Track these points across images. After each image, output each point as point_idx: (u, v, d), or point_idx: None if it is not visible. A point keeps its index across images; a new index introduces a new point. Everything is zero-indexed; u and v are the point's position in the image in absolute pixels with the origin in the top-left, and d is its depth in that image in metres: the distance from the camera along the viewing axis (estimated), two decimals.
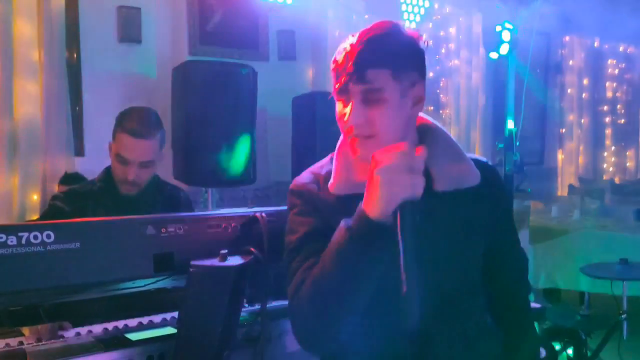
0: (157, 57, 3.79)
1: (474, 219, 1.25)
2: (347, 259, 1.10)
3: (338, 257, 1.10)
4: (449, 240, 1.23)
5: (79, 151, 3.47)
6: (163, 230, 1.22)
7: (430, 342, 1.23)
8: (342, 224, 1.12)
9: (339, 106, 1.23)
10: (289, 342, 1.61)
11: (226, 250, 1.24)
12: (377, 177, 1.05)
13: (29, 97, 3.25)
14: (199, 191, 3.84)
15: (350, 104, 1.18)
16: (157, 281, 1.30)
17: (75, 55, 3.44)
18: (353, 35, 1.21)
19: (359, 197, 1.12)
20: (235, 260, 1.24)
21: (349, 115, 1.18)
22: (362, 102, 1.17)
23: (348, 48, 1.18)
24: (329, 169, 1.30)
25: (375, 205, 1.06)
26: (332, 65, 1.22)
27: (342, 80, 1.17)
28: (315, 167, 1.34)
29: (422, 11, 4.66)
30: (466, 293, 1.28)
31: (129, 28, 3.65)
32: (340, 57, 1.19)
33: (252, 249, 1.28)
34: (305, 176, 1.31)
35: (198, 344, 1.26)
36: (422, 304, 1.04)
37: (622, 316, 2.62)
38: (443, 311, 1.24)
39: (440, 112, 5.59)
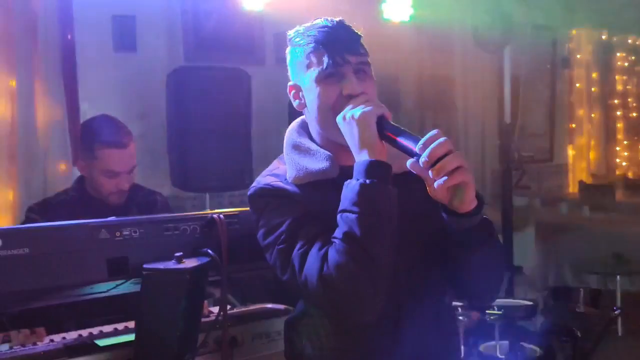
0: (152, 64, 3.81)
1: (423, 200, 1.19)
2: (370, 204, 1.12)
3: (362, 207, 1.12)
4: (409, 221, 1.21)
5: (77, 160, 3.49)
6: (117, 234, 1.22)
7: (403, 322, 1.23)
8: (346, 186, 1.16)
9: (325, 90, 1.22)
10: (262, 345, 1.60)
11: (181, 253, 1.23)
12: (350, 122, 1.16)
13: (27, 107, 3.29)
14: (199, 196, 3.85)
15: (347, 78, 1.20)
16: (118, 286, 1.30)
17: (71, 65, 3.48)
18: (313, 23, 1.29)
19: (317, 183, 1.23)
20: (190, 263, 1.23)
21: (354, 84, 1.20)
22: (354, 73, 1.21)
23: (327, 27, 1.24)
24: (283, 169, 1.31)
25: (364, 144, 1.15)
26: (311, 47, 1.24)
27: (337, 52, 1.20)
28: (269, 171, 1.34)
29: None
30: (434, 274, 1.28)
31: (124, 37, 3.68)
32: (322, 35, 1.23)
33: (209, 251, 1.27)
34: (265, 179, 1.31)
35: (157, 349, 1.25)
36: (394, 283, 1.14)
37: (617, 312, 2.56)
38: (414, 291, 1.25)
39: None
